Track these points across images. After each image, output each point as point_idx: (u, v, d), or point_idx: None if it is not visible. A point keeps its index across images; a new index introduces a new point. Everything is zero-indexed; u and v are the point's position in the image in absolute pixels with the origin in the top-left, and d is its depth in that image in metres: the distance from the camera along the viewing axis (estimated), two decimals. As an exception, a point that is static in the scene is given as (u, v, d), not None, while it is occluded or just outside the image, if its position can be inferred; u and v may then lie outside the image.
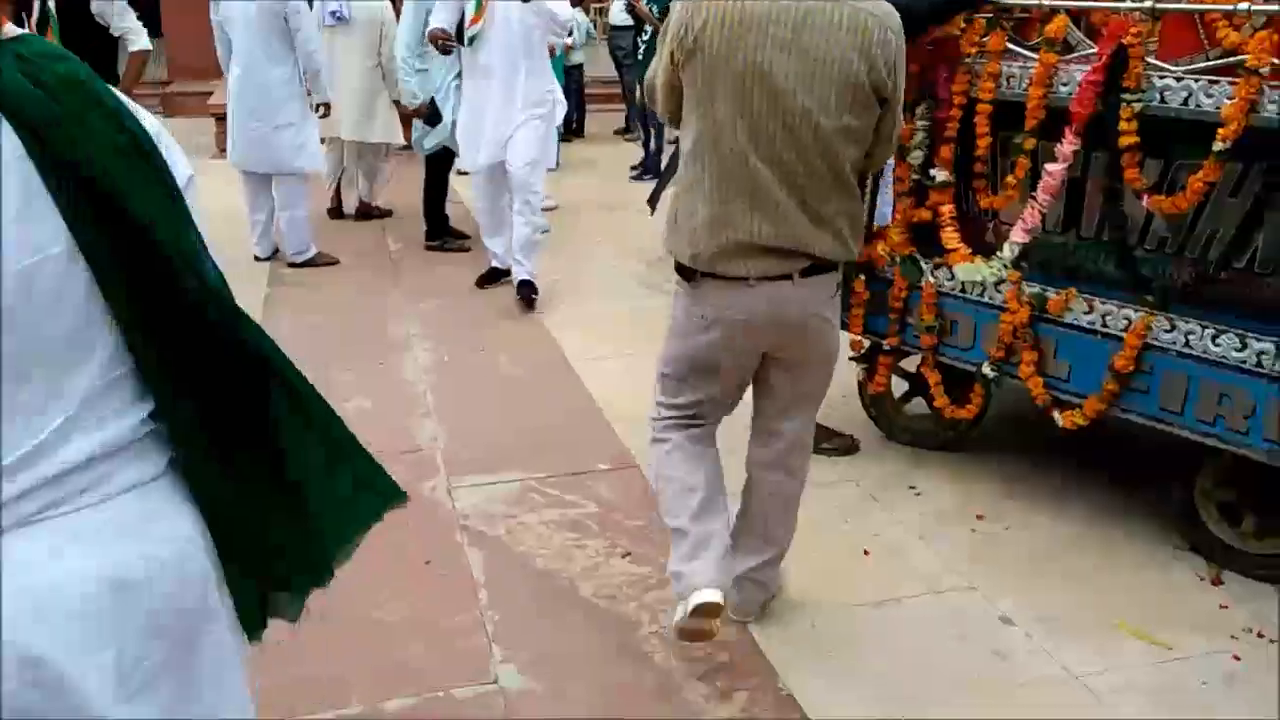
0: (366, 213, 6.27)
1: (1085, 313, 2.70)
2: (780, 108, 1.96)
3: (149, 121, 1.02)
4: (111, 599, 0.94)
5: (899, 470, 3.24)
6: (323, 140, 5.84)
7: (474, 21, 4.42)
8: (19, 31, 0.96)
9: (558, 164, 7.50)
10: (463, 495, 3.02)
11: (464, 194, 5.82)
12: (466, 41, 4.49)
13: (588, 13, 10.27)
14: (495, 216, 4.81)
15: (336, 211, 6.23)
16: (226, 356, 1.02)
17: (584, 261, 5.49)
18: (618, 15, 8.66)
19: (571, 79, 8.47)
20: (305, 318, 4.53)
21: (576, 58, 8.72)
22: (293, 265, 5.23)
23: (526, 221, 4.57)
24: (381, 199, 6.34)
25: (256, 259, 5.30)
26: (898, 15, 2.04)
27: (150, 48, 4.67)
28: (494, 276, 4.94)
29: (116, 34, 4.51)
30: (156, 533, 0.99)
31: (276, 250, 5.37)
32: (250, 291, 4.79)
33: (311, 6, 5.32)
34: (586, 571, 2.66)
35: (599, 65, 9.89)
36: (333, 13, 5.59)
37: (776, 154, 1.98)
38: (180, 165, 1.04)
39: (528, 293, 4.63)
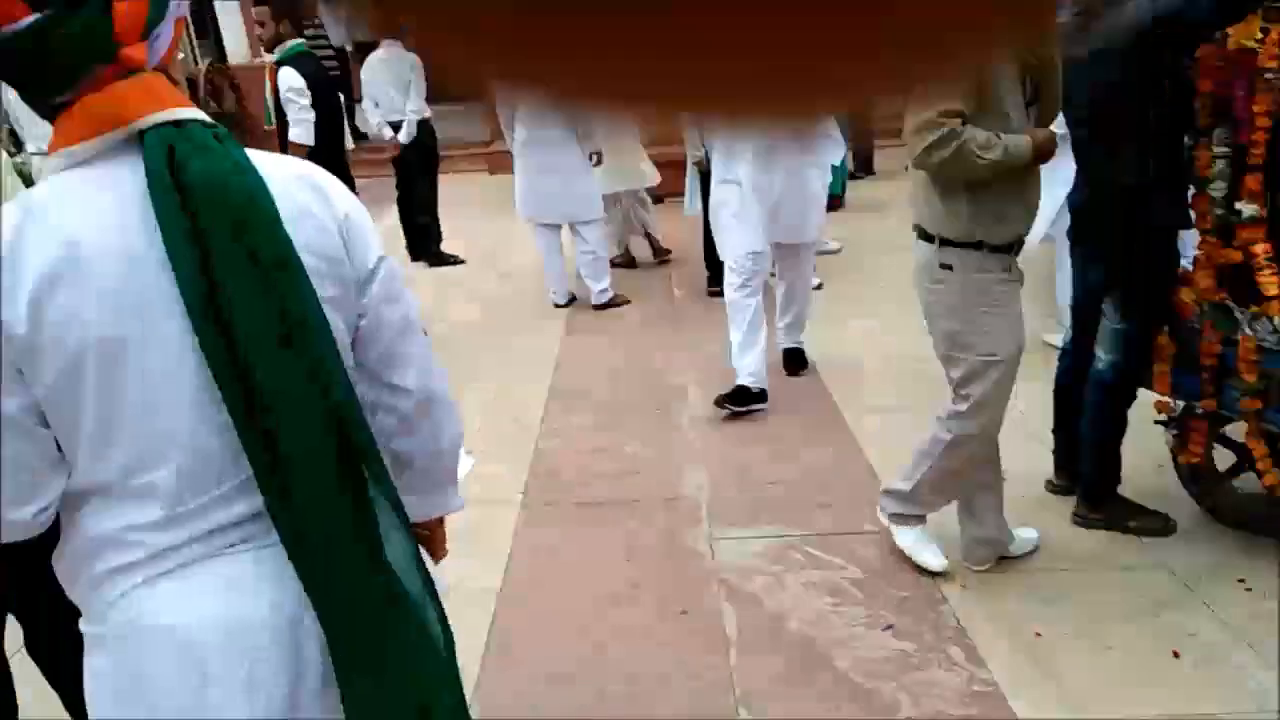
0: (658, 251, 6.58)
1: None
2: None
3: (340, 209, 1.17)
4: (284, 633, 1.13)
5: (1223, 559, 2.83)
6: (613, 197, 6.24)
7: None
8: (188, 115, 1.06)
9: (843, 204, 7.45)
10: (723, 548, 3.06)
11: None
12: None
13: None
14: (755, 322, 4.09)
15: (630, 261, 6.58)
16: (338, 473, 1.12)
17: (864, 309, 5.36)
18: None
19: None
20: (594, 364, 4.82)
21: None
22: (596, 307, 5.61)
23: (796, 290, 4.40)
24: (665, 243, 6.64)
25: (556, 305, 5.73)
26: None
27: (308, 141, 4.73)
28: (742, 399, 4.04)
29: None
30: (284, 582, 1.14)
31: (573, 297, 5.78)
32: (548, 337, 5.21)
33: None
34: (843, 642, 2.58)
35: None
36: None
37: None
38: (370, 250, 1.19)
39: (795, 367, 4.50)
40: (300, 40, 4.82)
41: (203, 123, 1.08)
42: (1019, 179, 2.42)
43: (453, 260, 6.85)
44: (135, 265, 1.03)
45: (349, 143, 5.17)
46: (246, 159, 1.09)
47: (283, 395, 1.07)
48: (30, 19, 0.97)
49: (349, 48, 11.21)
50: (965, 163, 2.30)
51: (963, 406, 2.59)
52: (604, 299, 5.63)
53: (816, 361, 4.56)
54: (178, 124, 1.05)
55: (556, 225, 5.66)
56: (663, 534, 3.17)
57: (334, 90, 4.94)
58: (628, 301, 5.69)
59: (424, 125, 6.57)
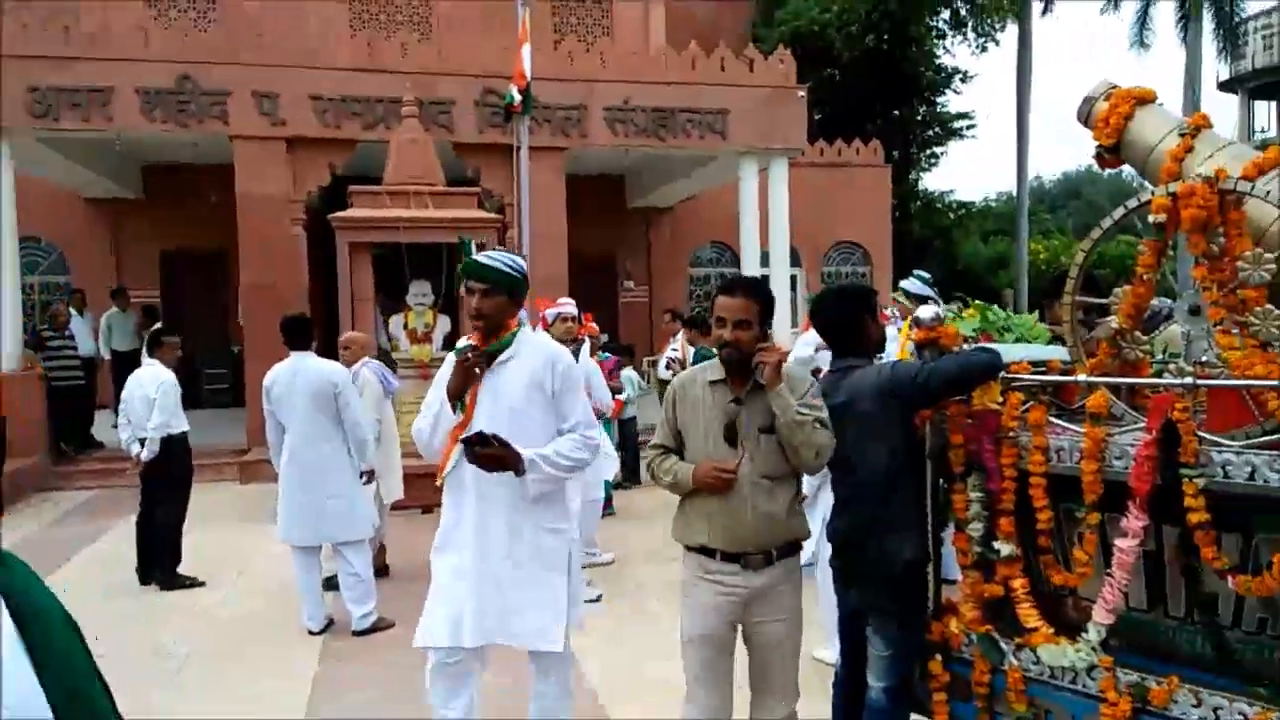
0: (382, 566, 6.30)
1: (1194, 705, 2.46)
2: None
3: None
4: None
5: None
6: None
7: (454, 438, 3.01)
8: None
9: (613, 512, 7.59)
10: None
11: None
12: (441, 477, 3.11)
13: (639, 366, 10.90)
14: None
15: (384, 571, 6.25)
16: None
17: (637, 621, 5.31)
18: (663, 371, 9.37)
19: (626, 431, 8.86)
20: (353, 704, 4.34)
21: (630, 411, 9.14)
22: (357, 633, 5.15)
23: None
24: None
25: (311, 633, 5.21)
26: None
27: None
28: None
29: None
30: None
31: (331, 621, 5.31)
32: (299, 671, 4.67)
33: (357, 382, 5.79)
34: None
35: (651, 412, 10.32)
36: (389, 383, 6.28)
37: None
38: None
39: None
40: None
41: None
42: (698, 497, 2.88)
43: (190, 583, 6.19)
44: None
45: None
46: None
47: None
48: None
49: (105, 357, 11.00)
50: (657, 481, 2.98)
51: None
52: (366, 624, 5.20)
53: (598, 688, 4.37)
54: None
55: (317, 546, 5.30)
56: None
57: None
58: (392, 625, 5.28)
59: (178, 442, 6.21)
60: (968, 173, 49.67)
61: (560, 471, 3.03)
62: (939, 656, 3.00)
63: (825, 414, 2.86)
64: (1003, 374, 2.96)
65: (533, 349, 3.18)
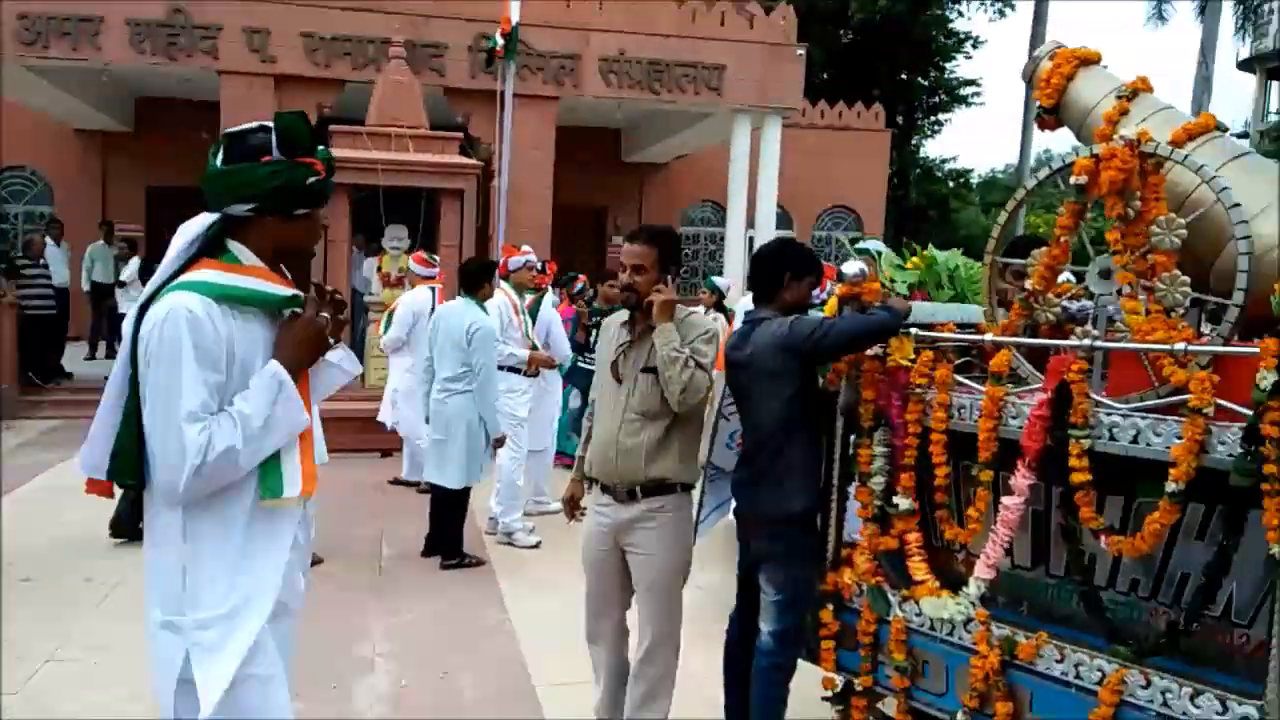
0: None
1: (1057, 661, 2.47)
2: None
3: None
4: None
5: (879, 835, 2.85)
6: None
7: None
8: None
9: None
10: None
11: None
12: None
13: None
14: None
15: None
16: None
17: (572, 569, 5.31)
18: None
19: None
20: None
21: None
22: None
23: None
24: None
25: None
26: None
27: None
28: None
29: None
30: None
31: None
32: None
33: None
34: None
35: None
36: None
37: None
38: None
39: None
40: None
41: None
42: (594, 434, 3.17)
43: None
44: None
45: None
46: None
47: None
48: None
49: (85, 289, 11.05)
50: None
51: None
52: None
53: (516, 631, 4.40)
54: None
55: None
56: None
57: None
58: (320, 561, 5.28)
59: None
60: (973, 142, 49.31)
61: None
62: (830, 606, 3.00)
63: (709, 360, 2.98)
64: (916, 332, 2.93)
65: None
